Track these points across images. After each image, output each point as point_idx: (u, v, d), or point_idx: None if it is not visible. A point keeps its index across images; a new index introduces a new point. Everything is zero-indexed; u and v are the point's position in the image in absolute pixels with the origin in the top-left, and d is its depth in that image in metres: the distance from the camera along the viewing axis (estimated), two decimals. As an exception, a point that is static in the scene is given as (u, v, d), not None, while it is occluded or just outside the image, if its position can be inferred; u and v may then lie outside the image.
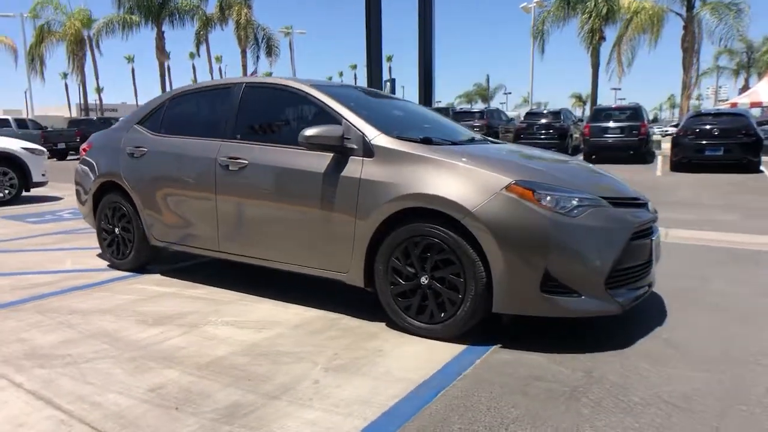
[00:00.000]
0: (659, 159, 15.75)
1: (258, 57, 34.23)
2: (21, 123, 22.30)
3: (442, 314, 2.88)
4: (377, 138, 3.13)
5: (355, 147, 3.14)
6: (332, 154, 3.21)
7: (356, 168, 3.11)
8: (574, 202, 2.73)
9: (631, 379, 2.46)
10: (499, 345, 2.84)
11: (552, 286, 2.68)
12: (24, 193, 8.71)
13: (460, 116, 19.56)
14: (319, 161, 3.23)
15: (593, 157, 14.97)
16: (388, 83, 34.92)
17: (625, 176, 3.92)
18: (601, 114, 15.63)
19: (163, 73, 31.45)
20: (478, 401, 2.26)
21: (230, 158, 3.60)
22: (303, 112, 3.61)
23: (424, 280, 2.91)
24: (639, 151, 14.95)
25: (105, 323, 3.19)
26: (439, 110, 22.70)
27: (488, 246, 2.71)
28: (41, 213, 7.61)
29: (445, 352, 2.77)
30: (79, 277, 4.23)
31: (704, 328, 3.08)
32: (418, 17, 12.61)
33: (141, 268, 4.37)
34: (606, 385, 2.40)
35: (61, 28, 31.35)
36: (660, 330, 3.04)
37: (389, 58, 67.32)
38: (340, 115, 3.28)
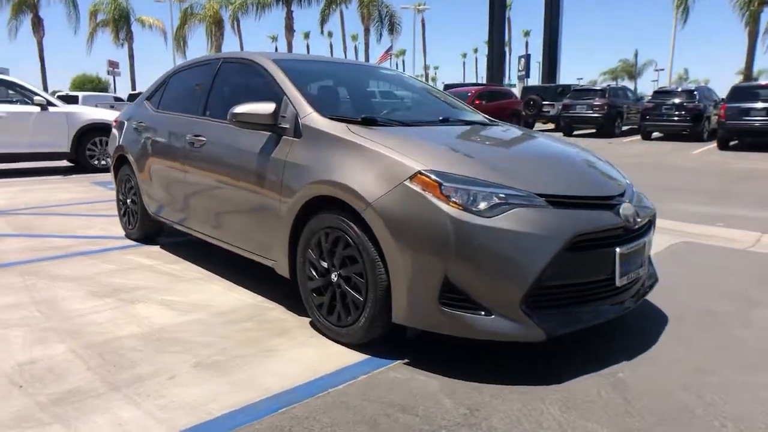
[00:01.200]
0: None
1: (381, 35, 34.45)
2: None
3: (348, 317, 2.56)
4: (307, 117, 2.85)
5: (287, 126, 2.89)
6: (269, 134, 2.99)
7: (285, 149, 2.87)
8: (494, 200, 2.24)
9: (518, 428, 1.96)
10: (406, 360, 2.46)
11: (454, 299, 2.24)
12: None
13: (579, 94, 17.95)
14: (258, 141, 3.03)
15: (730, 143, 12.83)
16: (523, 59, 33.24)
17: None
18: (742, 93, 13.23)
19: (290, 51, 32.94)
20: (312, 426, 1.95)
21: (195, 136, 3.55)
22: (263, 88, 3.43)
23: (333, 277, 2.61)
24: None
25: (61, 291, 3.34)
26: (557, 87, 21.06)
27: (386, 244, 2.33)
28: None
29: (340, 360, 2.47)
30: (93, 243, 4.51)
31: (688, 370, 2.40)
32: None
33: (147, 238, 4.54)
34: (479, 431, 1.94)
35: (202, 10, 34.22)
36: (622, 366, 2.42)
37: (526, 33, 64.02)
38: (282, 91, 3.04)
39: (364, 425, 1.97)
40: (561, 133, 18.08)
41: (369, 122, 2.86)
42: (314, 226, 2.67)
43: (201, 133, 3.51)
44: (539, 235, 2.19)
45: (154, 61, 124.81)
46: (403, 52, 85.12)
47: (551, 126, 20.89)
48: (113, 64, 32.11)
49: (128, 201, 4.59)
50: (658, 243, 4.59)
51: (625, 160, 11.03)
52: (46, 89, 28.76)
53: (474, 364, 2.42)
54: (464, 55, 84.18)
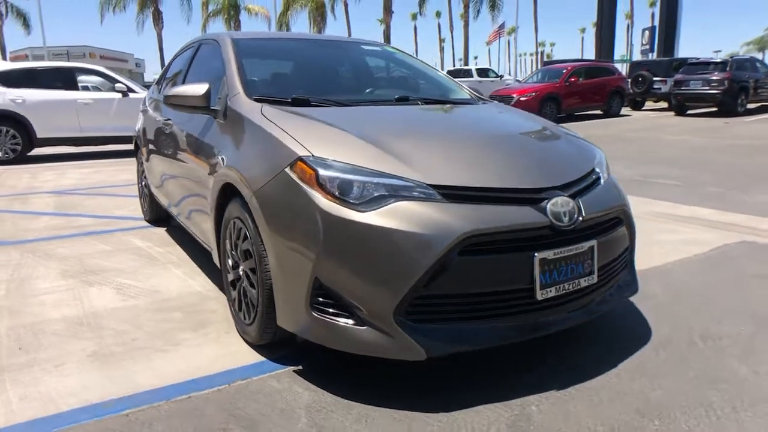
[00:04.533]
0: None
1: (479, 11, 33.09)
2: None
3: (249, 315, 2.37)
4: (234, 98, 2.68)
5: (218, 109, 2.74)
6: (207, 116, 2.86)
7: (216, 132, 2.73)
8: (375, 191, 1.92)
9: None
10: (299, 367, 2.22)
11: (325, 304, 1.96)
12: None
13: (693, 68, 15.89)
14: (200, 124, 2.92)
15: None
16: (647, 32, 30.29)
17: None
18: None
19: (388, 34, 32.77)
20: None
21: (165, 120, 3.53)
22: (219, 69, 3.29)
23: (240, 271, 2.43)
24: None
25: (41, 269, 3.51)
26: (672, 62, 18.75)
27: (265, 238, 2.10)
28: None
29: (231, 361, 2.30)
30: (110, 224, 4.73)
31: (628, 410, 1.92)
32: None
33: (160, 221, 4.65)
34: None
35: None
36: (543, 398, 1.99)
37: (652, 3, 58.26)
38: (224, 70, 2.89)
39: None
40: (673, 113, 16.24)
41: (300, 102, 2.62)
42: (227, 215, 2.50)
43: (169, 117, 3.48)
44: (420, 234, 1.84)
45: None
46: (514, 29, 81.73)
47: (663, 105, 18.83)
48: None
49: (141, 183, 4.74)
50: (705, 241, 3.87)
51: (735, 143, 9.59)
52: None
53: (368, 378, 2.13)
54: (582, 30, 78.71)
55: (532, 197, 2.01)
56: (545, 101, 15.20)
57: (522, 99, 15.10)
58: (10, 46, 35.18)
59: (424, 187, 1.94)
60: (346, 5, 39.57)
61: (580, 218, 2.04)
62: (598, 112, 16.62)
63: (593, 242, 2.09)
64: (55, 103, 8.51)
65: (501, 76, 26.78)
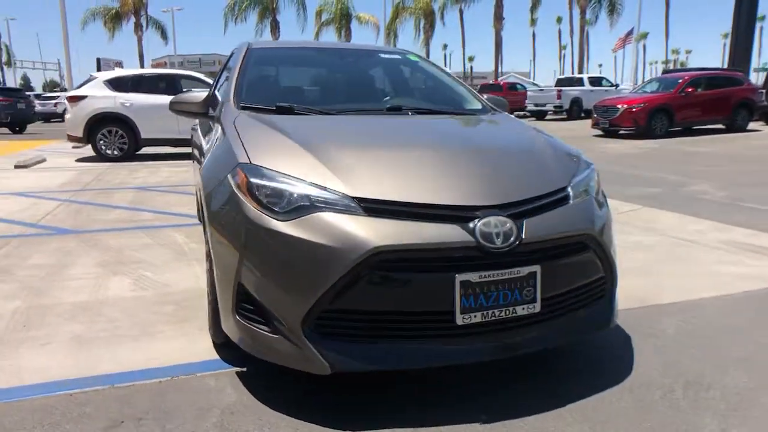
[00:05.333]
0: None
1: (597, 17, 31.29)
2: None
3: (209, 315, 2.47)
4: (224, 105, 2.83)
5: (214, 115, 2.90)
6: (207, 121, 3.04)
7: (208, 137, 2.89)
8: (298, 201, 1.93)
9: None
10: (245, 369, 2.28)
11: (248, 309, 2.00)
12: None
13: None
14: (204, 128, 3.12)
15: None
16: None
17: None
18: None
19: (498, 41, 32.08)
20: (39, 419, 1.93)
21: (193, 125, 3.78)
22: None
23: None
24: None
25: (82, 258, 3.91)
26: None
27: (209, 240, 2.21)
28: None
29: (184, 356, 2.42)
30: (166, 219, 5.15)
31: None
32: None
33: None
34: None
35: (413, 3, 35.26)
36: (447, 430, 1.87)
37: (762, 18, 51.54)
38: (228, 77, 3.06)
39: (90, 426, 1.89)
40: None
41: (283, 111, 2.70)
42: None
43: (195, 122, 3.72)
44: (330, 246, 1.81)
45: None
46: (644, 36, 76.37)
47: (803, 119, 16.55)
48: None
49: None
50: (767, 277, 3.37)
51: None
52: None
53: (309, 389, 2.13)
54: (725, 35, 71.54)
55: (460, 215, 1.89)
56: (655, 113, 14.06)
57: (628, 110, 14.12)
58: (147, 55, 39.34)
59: (347, 199, 1.91)
60: (461, 12, 39.60)
61: (513, 241, 1.88)
62: (720, 126, 15.03)
63: (536, 267, 1.92)
64: (157, 107, 9.41)
65: (616, 86, 25.19)
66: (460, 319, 1.84)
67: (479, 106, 3.19)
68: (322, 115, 2.71)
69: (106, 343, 2.55)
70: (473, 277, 1.84)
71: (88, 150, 10.11)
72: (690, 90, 14.60)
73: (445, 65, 74.43)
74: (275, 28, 35.32)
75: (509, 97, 25.58)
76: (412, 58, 3.64)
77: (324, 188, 1.94)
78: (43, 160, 9.76)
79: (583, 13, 31.92)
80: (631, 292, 3.17)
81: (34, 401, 2.05)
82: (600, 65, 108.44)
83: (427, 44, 37.95)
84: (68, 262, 3.79)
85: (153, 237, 4.48)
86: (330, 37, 36.74)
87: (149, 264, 3.75)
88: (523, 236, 1.90)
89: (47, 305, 3.00)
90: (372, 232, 1.82)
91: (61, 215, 5.33)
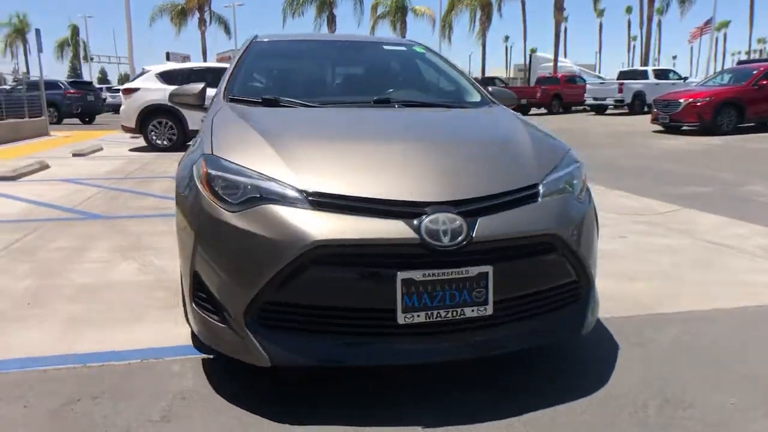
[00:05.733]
0: None
1: (668, 5, 29.49)
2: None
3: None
4: (216, 98, 2.87)
5: (207, 106, 2.96)
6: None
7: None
8: (249, 192, 1.93)
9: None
10: (212, 356, 2.32)
11: (202, 298, 2.03)
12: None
13: None
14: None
15: None
16: None
17: None
18: None
19: (558, 32, 30.84)
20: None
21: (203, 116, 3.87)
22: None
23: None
24: None
25: (103, 242, 4.10)
26: None
27: (177, 230, 2.25)
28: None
29: (160, 340, 2.50)
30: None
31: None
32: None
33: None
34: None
35: None
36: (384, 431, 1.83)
37: None
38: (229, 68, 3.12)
39: (50, 401, 1.98)
40: None
41: (269, 103, 2.72)
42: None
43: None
44: (272, 239, 1.81)
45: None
46: (725, 24, 71.37)
47: None
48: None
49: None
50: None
51: None
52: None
53: (277, 382, 2.14)
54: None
55: (408, 211, 1.83)
56: (722, 107, 13.16)
57: (692, 104, 13.29)
58: (212, 49, 40.81)
59: (295, 192, 1.89)
60: (523, 3, 38.50)
61: (466, 240, 1.80)
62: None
63: (487, 268, 1.83)
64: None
65: (685, 78, 23.76)
66: (401, 318, 1.79)
67: (478, 99, 3.09)
68: (304, 108, 2.71)
69: (95, 324, 2.66)
70: (416, 275, 1.78)
71: (142, 140, 10.61)
72: (765, 82, 13.56)
73: (507, 57, 72.61)
74: (332, 21, 35.65)
75: (567, 90, 24.84)
76: (418, 49, 3.57)
77: (274, 180, 1.94)
78: (100, 149, 10.33)
79: (651, 1, 30.16)
80: (639, 299, 3.00)
81: (8, 375, 2.18)
82: (674, 57, 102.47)
83: (483, 35, 37.02)
84: (89, 246, 3.99)
85: (172, 225, 4.62)
86: (385, 31, 36.81)
87: (159, 250, 3.89)
88: (473, 235, 1.82)
89: (56, 286, 3.17)
90: (314, 226, 1.80)
91: (98, 201, 5.63)
